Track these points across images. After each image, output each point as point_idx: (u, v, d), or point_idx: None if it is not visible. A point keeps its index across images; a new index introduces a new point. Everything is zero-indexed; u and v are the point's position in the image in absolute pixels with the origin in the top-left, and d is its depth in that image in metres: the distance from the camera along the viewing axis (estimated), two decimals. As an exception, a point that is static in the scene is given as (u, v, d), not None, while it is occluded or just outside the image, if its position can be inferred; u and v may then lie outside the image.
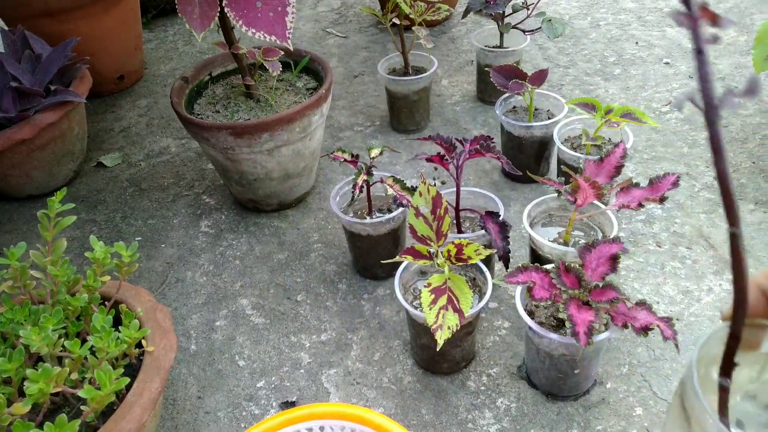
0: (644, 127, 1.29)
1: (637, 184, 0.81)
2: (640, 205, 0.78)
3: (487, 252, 0.73)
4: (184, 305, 1.00)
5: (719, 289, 0.92)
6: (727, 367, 0.37)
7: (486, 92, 1.41)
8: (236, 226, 1.15)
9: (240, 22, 0.92)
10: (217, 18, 0.91)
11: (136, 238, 1.15)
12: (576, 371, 0.76)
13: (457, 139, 0.87)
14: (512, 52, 1.33)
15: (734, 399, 0.59)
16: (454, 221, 0.91)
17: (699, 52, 0.31)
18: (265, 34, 0.92)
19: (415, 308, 0.78)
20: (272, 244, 1.10)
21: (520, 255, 1.02)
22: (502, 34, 1.36)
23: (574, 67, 1.54)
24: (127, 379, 0.59)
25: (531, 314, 0.78)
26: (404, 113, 1.32)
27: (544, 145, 1.12)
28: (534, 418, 0.78)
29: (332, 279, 1.02)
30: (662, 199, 0.77)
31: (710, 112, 0.30)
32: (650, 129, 1.29)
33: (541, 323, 0.76)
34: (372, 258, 0.97)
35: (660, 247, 1.01)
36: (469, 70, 1.58)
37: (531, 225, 0.91)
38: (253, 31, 0.92)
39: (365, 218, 0.94)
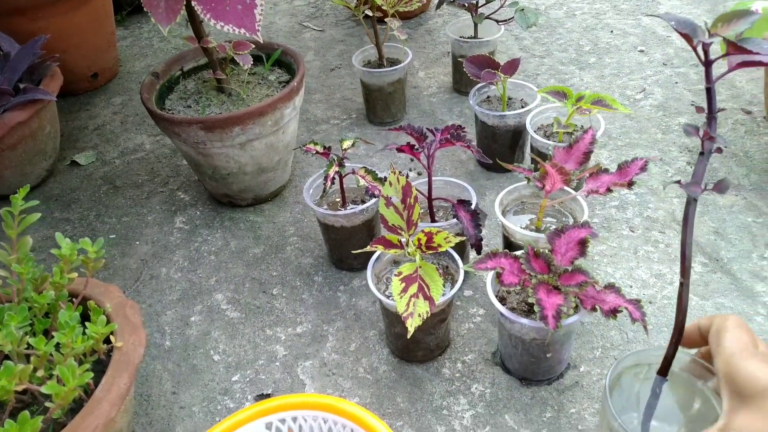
0: (618, 114, 1.30)
1: (606, 170, 0.81)
2: (609, 190, 0.78)
3: (457, 239, 0.73)
4: (159, 302, 0.99)
5: (692, 272, 0.93)
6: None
7: (462, 83, 1.42)
8: (211, 221, 1.14)
9: (208, 15, 0.91)
10: (184, 11, 0.90)
11: (110, 236, 1.14)
12: (548, 355, 0.76)
13: (428, 129, 0.87)
14: (486, 42, 1.33)
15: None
16: (428, 211, 0.91)
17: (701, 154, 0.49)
18: (234, 27, 0.92)
19: (388, 297, 0.78)
20: (248, 239, 1.09)
21: (495, 243, 1.02)
22: (476, 25, 1.36)
23: (550, 57, 1.54)
24: (91, 374, 0.59)
25: (503, 300, 0.78)
26: (380, 105, 1.32)
27: (518, 134, 1.13)
28: (508, 402, 0.79)
29: (308, 272, 1.01)
30: (630, 184, 0.78)
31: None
32: (624, 116, 1.29)
33: (512, 309, 0.76)
34: (347, 250, 0.96)
35: (633, 232, 1.01)
36: (446, 61, 1.58)
37: (504, 213, 0.91)
38: (222, 24, 0.91)
39: (339, 210, 0.93)
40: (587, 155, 0.83)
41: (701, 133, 0.51)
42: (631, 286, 0.92)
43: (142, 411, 0.83)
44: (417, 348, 0.83)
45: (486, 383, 0.81)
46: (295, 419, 0.69)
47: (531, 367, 0.79)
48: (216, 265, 1.05)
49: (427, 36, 1.71)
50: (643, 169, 0.78)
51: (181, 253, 1.08)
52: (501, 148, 1.15)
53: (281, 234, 1.10)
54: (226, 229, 1.12)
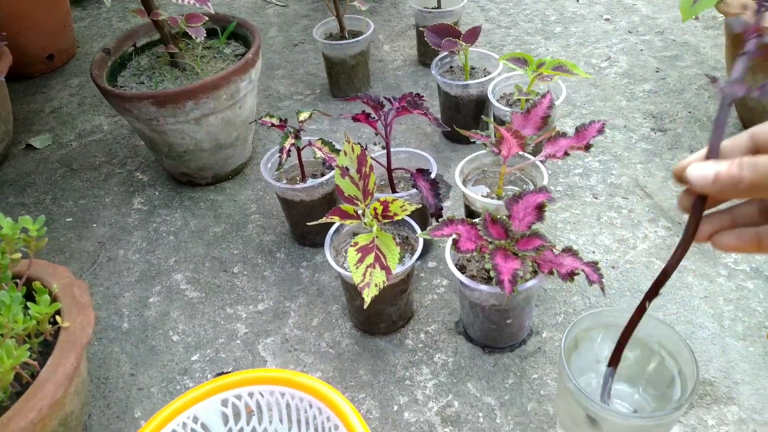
0: (583, 83, 1.29)
1: (564, 134, 0.80)
2: (567, 154, 0.77)
3: (413, 207, 0.71)
4: (117, 284, 0.97)
5: (654, 235, 0.93)
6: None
7: (427, 55, 1.39)
8: (170, 201, 1.11)
9: (154, -16, 0.88)
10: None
11: (67, 219, 1.11)
12: (509, 321, 0.76)
13: (385, 98, 0.85)
14: (450, 12, 1.31)
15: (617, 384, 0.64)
16: (388, 182, 0.89)
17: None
18: (183, -3, 0.88)
19: (347, 270, 0.76)
20: (208, 218, 1.07)
21: (460, 213, 1.01)
22: (439, -6, 1.34)
23: (516, 27, 1.53)
24: (26, 353, 0.57)
25: (462, 269, 0.77)
26: (343, 79, 1.29)
27: (481, 103, 1.11)
28: (471, 370, 0.78)
29: (270, 249, 0.99)
30: (587, 147, 0.77)
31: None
32: (589, 85, 1.28)
33: (472, 277, 0.75)
34: (307, 225, 0.94)
35: (596, 198, 1.01)
36: (411, 34, 1.55)
37: (465, 182, 0.90)
38: (169, -7, 0.88)
39: (297, 184, 0.91)
40: (545, 120, 0.82)
41: (749, 30, 0.41)
42: (593, 252, 0.91)
43: (100, 394, 0.81)
44: (379, 320, 0.82)
45: (449, 352, 0.81)
46: (251, 395, 0.68)
47: (492, 334, 0.78)
48: (175, 245, 1.02)
49: (393, 9, 1.68)
50: (600, 131, 0.77)
51: (139, 235, 1.06)
52: (465, 118, 1.13)
53: (243, 212, 1.07)
54: (186, 209, 1.09)
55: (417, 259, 0.94)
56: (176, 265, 0.99)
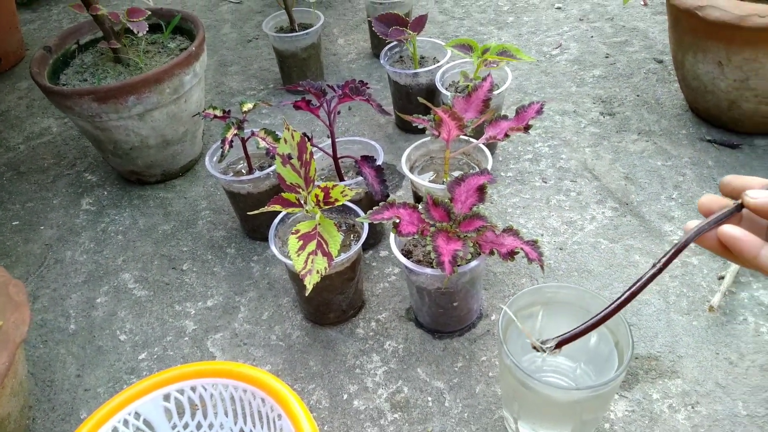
0: (534, 70, 1.30)
1: (505, 117, 0.80)
2: (507, 136, 0.78)
3: (353, 192, 0.71)
4: (64, 285, 0.95)
5: (602, 216, 0.94)
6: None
7: (380, 47, 1.38)
8: (119, 200, 1.09)
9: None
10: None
11: (14, 223, 1.08)
12: (455, 304, 0.76)
13: (328, 85, 0.85)
14: (400, 3, 1.31)
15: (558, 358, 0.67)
16: (335, 171, 0.88)
17: None
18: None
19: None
20: (157, 216, 1.05)
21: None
22: (390, -14, 1.33)
23: (469, 18, 1.53)
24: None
25: (409, 254, 0.77)
26: (295, 72, 1.28)
27: (431, 92, 1.11)
28: (421, 356, 0.78)
29: (221, 244, 0.98)
30: (527, 128, 0.77)
31: None
32: (540, 72, 1.30)
33: (418, 261, 0.75)
34: (258, 218, 0.93)
35: (546, 182, 1.02)
36: (366, 27, 1.55)
37: (412, 169, 0.90)
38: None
39: (243, 176, 0.90)
40: (486, 102, 0.82)
41: None
42: (542, 235, 0.92)
43: (45, 397, 0.79)
44: (328, 310, 0.82)
45: (399, 339, 0.80)
46: (194, 389, 0.67)
47: (441, 318, 0.78)
48: (123, 244, 1.00)
49: (348, 3, 1.68)
50: (539, 112, 0.77)
51: (87, 235, 1.03)
52: (416, 107, 1.12)
53: (193, 209, 1.06)
54: (135, 208, 1.07)
55: (369, 249, 0.94)
56: (124, 264, 0.97)
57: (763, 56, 0.91)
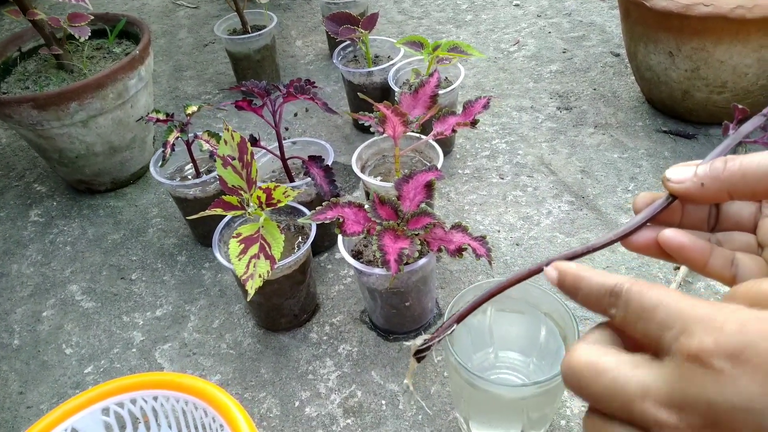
0: (492, 67, 1.30)
1: (453, 112, 0.79)
2: (454, 131, 0.76)
3: (295, 193, 0.69)
4: (8, 300, 0.91)
5: (558, 210, 0.93)
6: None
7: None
8: (68, 211, 1.06)
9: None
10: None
11: (-43, 238, 1.04)
12: (407, 304, 0.74)
13: (273, 85, 0.83)
14: (355, 3, 1.30)
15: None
16: (284, 172, 0.86)
17: None
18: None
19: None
20: (107, 225, 1.02)
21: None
22: (345, -14, 1.32)
23: (428, 18, 1.53)
24: None
25: (360, 254, 0.75)
26: (250, 75, 1.26)
27: (386, 91, 1.10)
28: (375, 358, 0.76)
29: (171, 252, 0.95)
30: (474, 123, 0.76)
31: None
32: (498, 69, 1.29)
33: (369, 262, 0.73)
34: (208, 224, 0.91)
35: (503, 179, 1.01)
36: (324, 29, 1.53)
37: (364, 168, 0.88)
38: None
39: (188, 180, 0.88)
40: (433, 98, 0.80)
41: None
42: (499, 231, 0.91)
43: (-16, 418, 0.76)
44: (280, 315, 0.79)
45: (354, 342, 0.79)
46: (134, 401, 0.64)
47: (394, 319, 0.76)
48: (72, 255, 0.97)
49: (306, 5, 1.66)
50: (485, 107, 0.76)
51: (34, 247, 1.00)
52: (371, 107, 1.11)
53: (143, 217, 1.03)
54: (84, 218, 1.04)
55: (324, 251, 0.92)
56: (72, 276, 0.94)
57: (711, 45, 0.91)
